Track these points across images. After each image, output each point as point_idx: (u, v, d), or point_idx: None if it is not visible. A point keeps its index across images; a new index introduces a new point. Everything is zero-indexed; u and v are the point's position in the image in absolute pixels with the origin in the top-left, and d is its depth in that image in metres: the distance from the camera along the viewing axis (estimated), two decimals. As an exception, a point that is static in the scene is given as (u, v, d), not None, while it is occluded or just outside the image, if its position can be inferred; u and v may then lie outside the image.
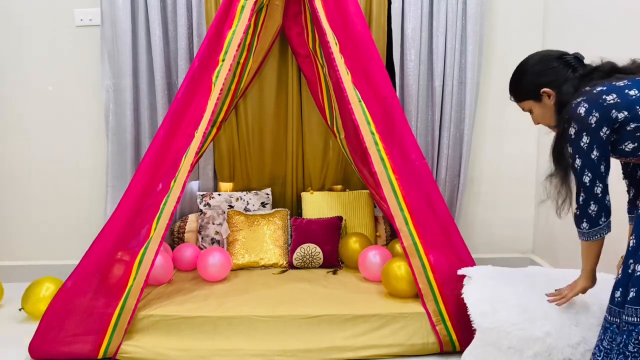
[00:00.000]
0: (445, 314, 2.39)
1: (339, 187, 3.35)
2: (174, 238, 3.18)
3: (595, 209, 1.64)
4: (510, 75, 1.85)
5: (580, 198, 1.65)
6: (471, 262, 2.50)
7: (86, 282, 2.39)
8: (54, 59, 3.28)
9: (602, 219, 1.65)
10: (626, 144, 1.60)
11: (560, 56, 1.76)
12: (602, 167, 1.61)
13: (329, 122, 3.16)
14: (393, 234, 3.20)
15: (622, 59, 1.72)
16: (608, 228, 1.69)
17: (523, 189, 3.46)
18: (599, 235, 1.69)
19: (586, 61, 1.77)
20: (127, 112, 3.12)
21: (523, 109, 1.86)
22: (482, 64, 3.25)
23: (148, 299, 2.53)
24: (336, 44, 2.55)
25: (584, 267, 1.81)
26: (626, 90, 1.58)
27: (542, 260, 3.36)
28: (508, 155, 3.44)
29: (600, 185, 1.62)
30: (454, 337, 2.39)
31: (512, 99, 1.87)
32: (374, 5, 3.09)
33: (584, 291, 1.85)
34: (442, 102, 3.21)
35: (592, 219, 1.65)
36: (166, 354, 2.32)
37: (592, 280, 1.82)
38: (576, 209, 1.69)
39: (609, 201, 1.66)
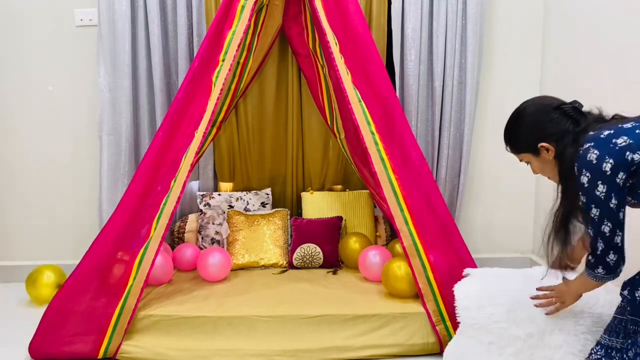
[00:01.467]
0: (445, 314, 2.39)
1: (339, 187, 3.35)
2: (174, 238, 3.18)
3: (615, 258, 1.55)
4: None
5: (599, 247, 1.55)
6: (471, 262, 2.50)
7: (86, 282, 2.39)
8: (54, 59, 3.28)
9: (620, 268, 1.57)
10: None
11: (558, 106, 1.64)
12: (620, 214, 1.52)
13: (329, 122, 3.16)
14: (393, 234, 3.20)
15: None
16: (619, 274, 1.61)
17: (523, 189, 3.46)
18: (611, 279, 1.61)
19: (586, 104, 1.67)
20: (125, 112, 3.11)
21: (520, 160, 1.78)
22: (482, 64, 3.25)
23: (148, 299, 2.53)
24: (336, 44, 2.55)
25: (580, 291, 1.75)
26: (637, 131, 1.49)
27: (542, 260, 3.36)
28: (508, 155, 3.41)
29: (620, 234, 1.53)
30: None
31: (508, 149, 1.78)
32: (374, 5, 3.10)
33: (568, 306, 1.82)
34: (442, 102, 3.20)
35: (609, 267, 1.57)
36: (166, 354, 2.32)
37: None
38: (591, 257, 1.59)
39: (624, 249, 1.57)
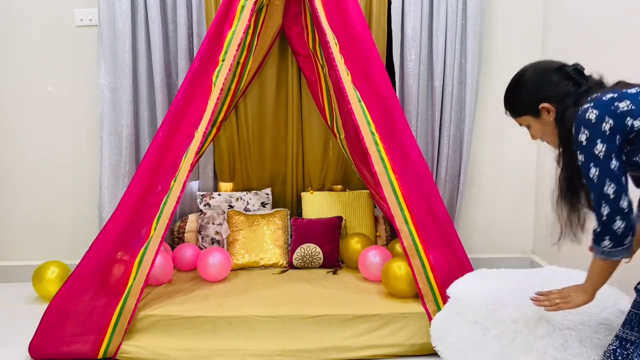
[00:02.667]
0: (445, 314, 2.39)
1: (339, 187, 3.35)
2: (174, 238, 3.18)
3: (622, 226, 1.41)
4: (509, 76, 1.77)
5: (604, 212, 1.42)
6: (467, 263, 2.51)
7: (86, 282, 2.39)
8: (54, 59, 3.28)
9: (628, 238, 1.43)
10: None
11: (560, 68, 1.61)
12: (623, 179, 1.40)
13: (329, 122, 3.16)
14: (393, 234, 3.20)
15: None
16: (631, 249, 1.47)
17: (523, 189, 3.46)
18: (620, 256, 1.47)
19: (586, 72, 1.64)
20: (126, 112, 3.11)
21: (520, 124, 1.73)
22: (482, 64, 3.25)
23: (148, 299, 2.53)
24: (336, 44, 2.55)
25: (591, 286, 1.61)
26: None
27: (542, 260, 3.36)
28: (508, 156, 3.44)
29: (626, 198, 1.40)
30: (454, 337, 2.38)
31: (508, 113, 1.74)
32: (374, 5, 3.10)
33: (579, 306, 1.65)
34: (442, 102, 3.20)
35: (617, 237, 1.43)
36: (166, 354, 2.32)
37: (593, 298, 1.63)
38: (597, 225, 1.46)
39: (635, 217, 1.43)
